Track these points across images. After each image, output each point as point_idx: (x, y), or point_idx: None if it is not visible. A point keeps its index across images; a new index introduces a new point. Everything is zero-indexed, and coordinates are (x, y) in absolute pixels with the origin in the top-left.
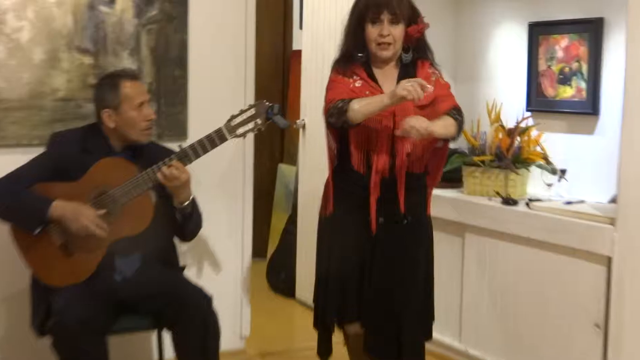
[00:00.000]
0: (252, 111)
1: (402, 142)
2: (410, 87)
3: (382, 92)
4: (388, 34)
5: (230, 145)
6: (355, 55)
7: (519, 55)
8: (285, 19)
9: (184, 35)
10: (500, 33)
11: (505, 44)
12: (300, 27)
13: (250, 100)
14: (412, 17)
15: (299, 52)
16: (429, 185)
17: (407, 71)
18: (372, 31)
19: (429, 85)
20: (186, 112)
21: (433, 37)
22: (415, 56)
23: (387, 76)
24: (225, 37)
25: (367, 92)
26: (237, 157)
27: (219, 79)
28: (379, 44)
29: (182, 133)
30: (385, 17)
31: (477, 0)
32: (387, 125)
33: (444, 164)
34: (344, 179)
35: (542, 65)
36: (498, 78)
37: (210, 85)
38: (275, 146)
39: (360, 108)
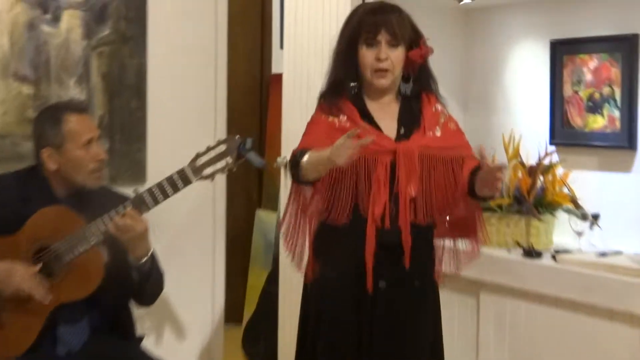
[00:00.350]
0: (222, 148)
1: (405, 182)
2: (345, 152)
3: (379, 133)
4: (386, 58)
5: (197, 188)
6: (346, 85)
7: (540, 78)
8: (263, 37)
9: (141, 59)
10: (518, 53)
11: (523, 66)
12: (281, 47)
13: (222, 134)
14: (414, 39)
15: (279, 77)
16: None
17: (409, 106)
18: (366, 55)
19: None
20: (145, 150)
21: (437, 59)
22: (418, 87)
23: (385, 112)
24: (191, 61)
25: (358, 132)
26: (205, 203)
27: (184, 110)
28: (376, 71)
29: (139, 175)
30: (383, 37)
31: (489, 15)
32: (385, 162)
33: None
34: (328, 235)
35: (567, 91)
36: (516, 106)
37: (173, 118)
38: (252, 188)
39: (307, 163)
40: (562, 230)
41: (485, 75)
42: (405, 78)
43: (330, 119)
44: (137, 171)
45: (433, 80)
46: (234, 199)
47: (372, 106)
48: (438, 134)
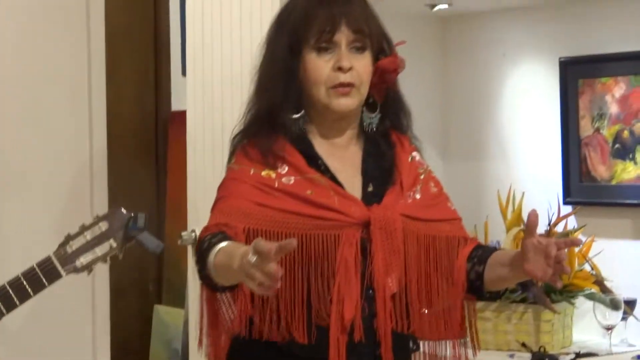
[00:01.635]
0: (103, 226)
1: (383, 269)
2: (261, 280)
3: (341, 192)
4: (350, 67)
5: (68, 282)
6: (284, 117)
7: (547, 111)
8: (157, 62)
9: None
10: (515, 76)
11: (523, 94)
12: (183, 73)
13: (102, 202)
14: (381, 44)
15: (181, 114)
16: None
17: (376, 150)
18: (318, 64)
19: None
20: None
21: (405, 85)
22: (387, 123)
23: (344, 158)
24: (53, 98)
25: (309, 194)
26: (82, 297)
27: (43, 167)
28: (335, 87)
29: None
30: (344, 37)
31: (474, 25)
32: (354, 240)
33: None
34: (262, 357)
35: (585, 128)
36: (515, 150)
37: (28, 179)
38: (147, 275)
39: (216, 266)
40: (584, 325)
41: (470, 106)
42: (369, 105)
43: (264, 172)
44: None
45: (405, 113)
46: (123, 292)
47: (324, 148)
48: (417, 196)
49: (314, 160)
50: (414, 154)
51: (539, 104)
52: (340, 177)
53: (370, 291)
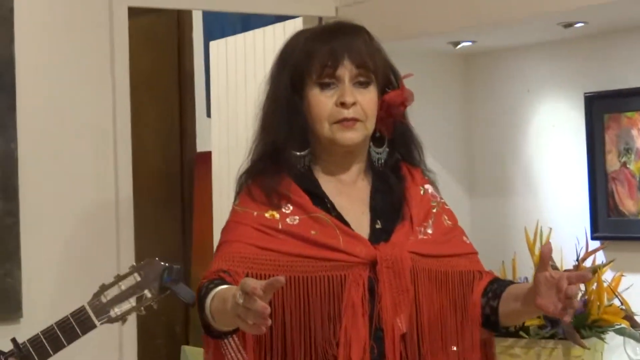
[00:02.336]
0: (138, 277)
1: (392, 310)
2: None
3: (348, 232)
4: (353, 102)
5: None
6: (288, 155)
7: (573, 146)
8: (182, 105)
9: (9, 144)
10: (540, 112)
11: (549, 129)
12: (208, 115)
13: (128, 248)
14: (389, 78)
15: (206, 155)
16: None
17: (385, 186)
18: (321, 100)
19: None
20: (18, 273)
21: (429, 121)
22: (395, 155)
23: (350, 196)
24: (79, 143)
25: (313, 235)
26: (109, 339)
27: (70, 214)
28: (339, 121)
29: (12, 307)
30: (347, 71)
31: (498, 62)
32: (361, 281)
33: None
34: None
35: (612, 163)
36: (542, 186)
37: (57, 226)
38: (175, 317)
39: (212, 310)
40: None
41: (496, 142)
42: (377, 140)
43: (268, 214)
44: (8, 307)
45: (416, 145)
46: (151, 334)
47: (330, 186)
48: (430, 231)
49: (319, 199)
50: (427, 186)
51: (565, 139)
52: (347, 215)
53: (379, 332)
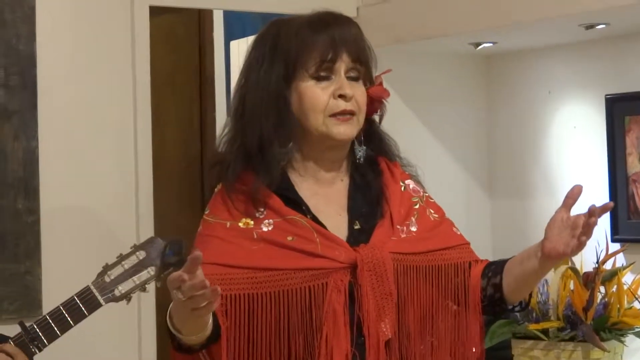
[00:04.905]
0: (140, 255)
1: (375, 315)
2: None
3: (326, 234)
4: (352, 95)
5: (110, 310)
6: (274, 152)
7: (593, 148)
8: (202, 102)
9: (30, 142)
10: (561, 113)
11: (569, 131)
12: (228, 114)
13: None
14: (371, 73)
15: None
16: None
17: (363, 183)
18: (317, 92)
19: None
20: (38, 270)
21: (449, 122)
22: (371, 150)
23: (327, 196)
24: (100, 142)
25: (290, 241)
26: (125, 326)
27: (92, 211)
28: (335, 114)
29: (32, 305)
30: (343, 64)
31: (518, 63)
32: (342, 285)
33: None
34: None
35: (633, 165)
36: (562, 188)
37: (77, 223)
38: None
39: (174, 323)
40: None
41: (516, 144)
42: (357, 136)
43: (242, 222)
44: (28, 300)
45: (389, 139)
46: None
47: (305, 187)
48: (413, 228)
49: (293, 202)
50: (407, 182)
51: (586, 141)
52: (324, 217)
53: (361, 338)
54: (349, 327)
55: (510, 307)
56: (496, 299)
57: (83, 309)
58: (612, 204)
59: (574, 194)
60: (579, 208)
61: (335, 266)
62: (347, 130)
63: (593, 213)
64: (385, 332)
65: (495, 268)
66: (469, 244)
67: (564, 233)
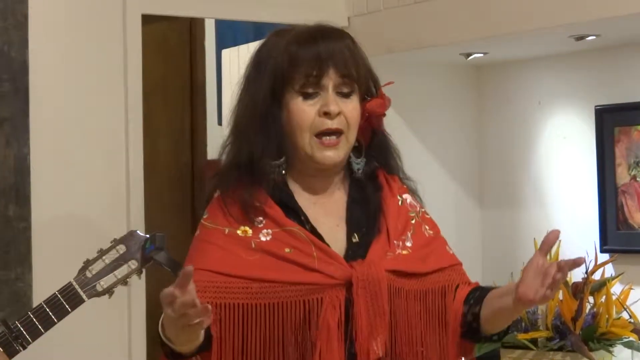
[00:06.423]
0: (121, 249)
1: (367, 332)
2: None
3: (324, 248)
4: (338, 112)
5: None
6: (264, 166)
7: (583, 159)
8: (193, 110)
9: (21, 149)
10: (551, 124)
11: (559, 142)
12: (219, 123)
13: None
14: (369, 85)
15: (217, 163)
16: None
17: (362, 196)
18: (303, 110)
19: None
20: (29, 277)
21: (439, 133)
22: (374, 165)
23: (326, 208)
24: (92, 149)
25: (287, 253)
26: (115, 332)
27: (82, 217)
28: (320, 134)
29: (23, 311)
30: (331, 80)
31: (509, 74)
32: (337, 302)
33: None
34: None
35: (622, 176)
36: (552, 198)
37: (68, 229)
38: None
39: (167, 331)
40: None
41: (506, 154)
42: (355, 149)
43: (241, 230)
44: (19, 308)
45: (393, 152)
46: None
47: (304, 197)
48: (409, 244)
49: (293, 211)
50: (405, 196)
51: (575, 151)
52: (322, 229)
53: (353, 356)
54: (342, 343)
55: (487, 335)
56: (474, 327)
57: (66, 305)
58: (582, 259)
59: (549, 240)
60: (570, 219)
61: (330, 282)
62: (332, 155)
63: (561, 268)
64: (376, 351)
65: (478, 296)
66: (460, 264)
67: (537, 279)
